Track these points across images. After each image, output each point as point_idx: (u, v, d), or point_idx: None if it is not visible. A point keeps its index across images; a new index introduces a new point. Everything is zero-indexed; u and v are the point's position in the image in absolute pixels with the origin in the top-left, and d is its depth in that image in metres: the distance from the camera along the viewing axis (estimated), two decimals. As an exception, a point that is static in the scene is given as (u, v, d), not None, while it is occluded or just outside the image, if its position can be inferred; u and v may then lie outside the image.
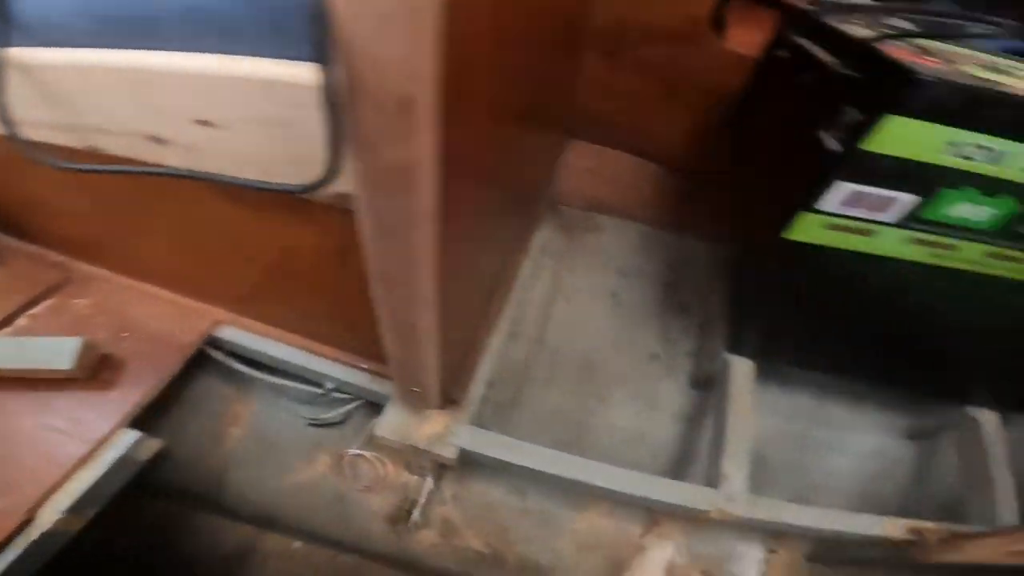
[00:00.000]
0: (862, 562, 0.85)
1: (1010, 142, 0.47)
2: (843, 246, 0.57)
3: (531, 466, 0.69)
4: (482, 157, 0.45)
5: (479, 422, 0.74)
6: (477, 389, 0.72)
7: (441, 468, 0.83)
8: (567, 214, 0.92)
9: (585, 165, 0.88)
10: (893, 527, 0.75)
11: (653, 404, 0.91)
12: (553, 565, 0.81)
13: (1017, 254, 0.58)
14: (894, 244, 0.57)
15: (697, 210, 0.92)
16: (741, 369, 0.82)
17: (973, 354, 0.79)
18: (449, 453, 0.67)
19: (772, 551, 0.86)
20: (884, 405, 0.99)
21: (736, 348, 0.82)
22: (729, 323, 0.84)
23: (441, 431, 0.68)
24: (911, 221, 0.54)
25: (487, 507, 0.83)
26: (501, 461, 0.70)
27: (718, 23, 0.77)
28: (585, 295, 0.91)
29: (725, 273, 0.91)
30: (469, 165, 0.41)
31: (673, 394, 0.92)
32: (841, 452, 0.99)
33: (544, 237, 0.86)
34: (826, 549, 0.85)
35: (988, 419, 0.87)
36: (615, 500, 0.81)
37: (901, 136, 0.47)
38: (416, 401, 0.65)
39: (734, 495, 0.73)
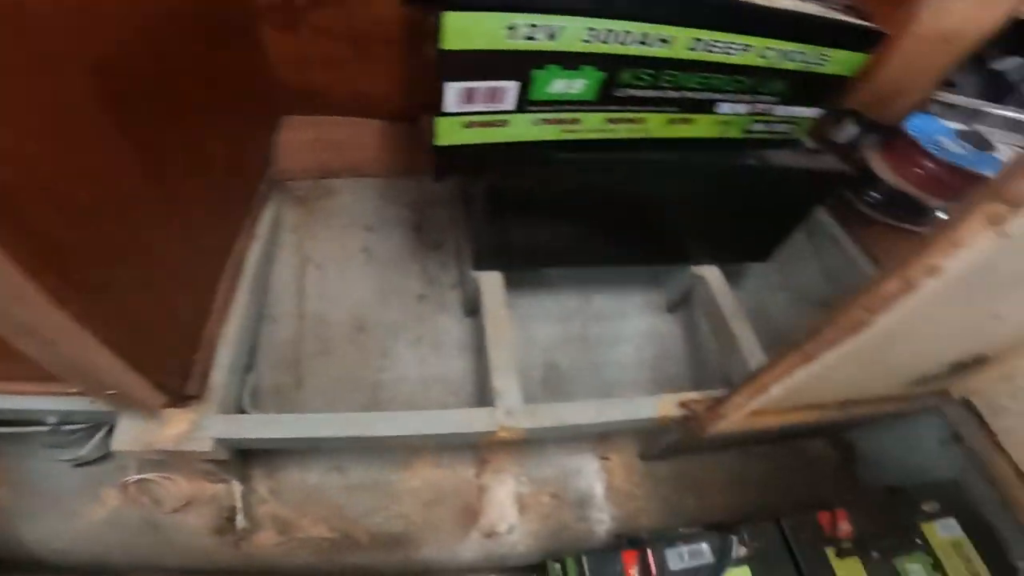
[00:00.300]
0: (678, 449, 0.93)
1: (558, 17, 0.56)
2: (487, 140, 0.64)
3: (300, 435, 0.69)
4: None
5: (253, 409, 0.73)
6: (220, 377, 0.70)
7: (244, 468, 0.80)
8: (298, 188, 0.92)
9: (304, 137, 0.90)
10: (666, 405, 0.80)
11: (436, 344, 0.96)
12: (407, 530, 0.82)
13: (630, 115, 0.70)
14: (528, 128, 0.65)
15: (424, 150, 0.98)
16: (490, 283, 0.89)
17: (676, 215, 0.91)
18: (204, 447, 0.65)
19: (604, 458, 0.95)
20: (641, 286, 1.13)
21: (480, 264, 0.89)
22: (470, 242, 0.90)
23: (187, 428, 0.66)
24: (527, 104, 0.62)
25: (311, 493, 0.82)
26: (271, 439, 0.70)
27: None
28: (337, 258, 0.92)
29: (463, 198, 0.98)
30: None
31: (452, 328, 0.97)
32: (621, 341, 1.10)
33: (274, 215, 0.86)
34: (650, 445, 0.93)
35: (711, 274, 1.01)
36: (409, 446, 0.84)
37: (467, 30, 0.53)
38: (135, 405, 0.62)
39: (512, 409, 0.75)
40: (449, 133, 0.61)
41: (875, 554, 0.77)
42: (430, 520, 0.83)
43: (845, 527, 0.78)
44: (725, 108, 0.76)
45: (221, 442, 0.67)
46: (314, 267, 0.91)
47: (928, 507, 0.82)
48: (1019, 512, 0.78)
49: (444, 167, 0.67)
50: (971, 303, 0.56)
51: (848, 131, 1.02)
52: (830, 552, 0.76)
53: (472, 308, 0.95)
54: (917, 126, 0.97)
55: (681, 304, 1.11)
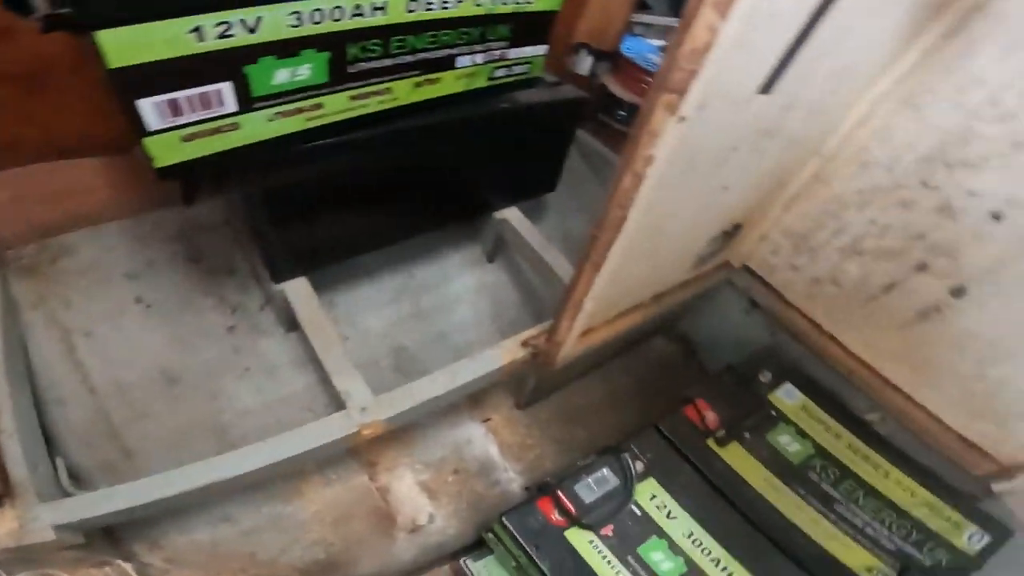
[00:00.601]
0: (544, 388, 0.97)
1: (253, 9, 0.52)
2: (220, 148, 0.60)
3: (148, 499, 0.62)
4: None
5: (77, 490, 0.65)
6: (19, 471, 0.61)
7: (118, 547, 0.70)
8: (20, 257, 0.77)
9: (5, 196, 0.74)
10: (510, 350, 0.82)
11: (268, 369, 0.90)
12: (331, 553, 0.78)
13: (373, 87, 0.70)
14: (264, 125, 0.61)
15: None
16: (298, 291, 0.85)
17: (454, 172, 0.94)
18: (47, 536, 0.58)
19: (487, 420, 0.96)
20: (455, 245, 1.16)
21: (280, 276, 0.84)
22: (261, 256, 0.84)
23: (16, 524, 0.58)
24: (254, 102, 0.59)
25: (210, 550, 0.74)
26: (120, 511, 0.62)
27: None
28: (106, 319, 0.81)
29: (237, 214, 0.91)
30: None
31: (277, 349, 0.92)
32: (455, 303, 1.12)
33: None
34: (520, 393, 0.96)
35: (513, 215, 1.07)
36: (273, 475, 0.79)
37: (136, 44, 0.47)
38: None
39: (365, 405, 0.74)
40: (167, 152, 0.55)
41: (747, 435, 0.89)
42: (349, 537, 0.80)
43: (711, 416, 0.89)
44: (464, 61, 0.79)
45: (65, 528, 0.59)
46: (82, 336, 0.77)
47: (764, 377, 0.96)
48: (827, 360, 0.93)
49: (189, 188, 0.61)
50: (697, 180, 0.67)
51: (584, 62, 1.14)
52: (711, 443, 0.87)
53: (290, 322, 0.90)
54: (630, 47, 1.12)
55: (498, 251, 1.17)
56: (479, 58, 0.81)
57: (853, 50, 0.63)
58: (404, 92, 0.74)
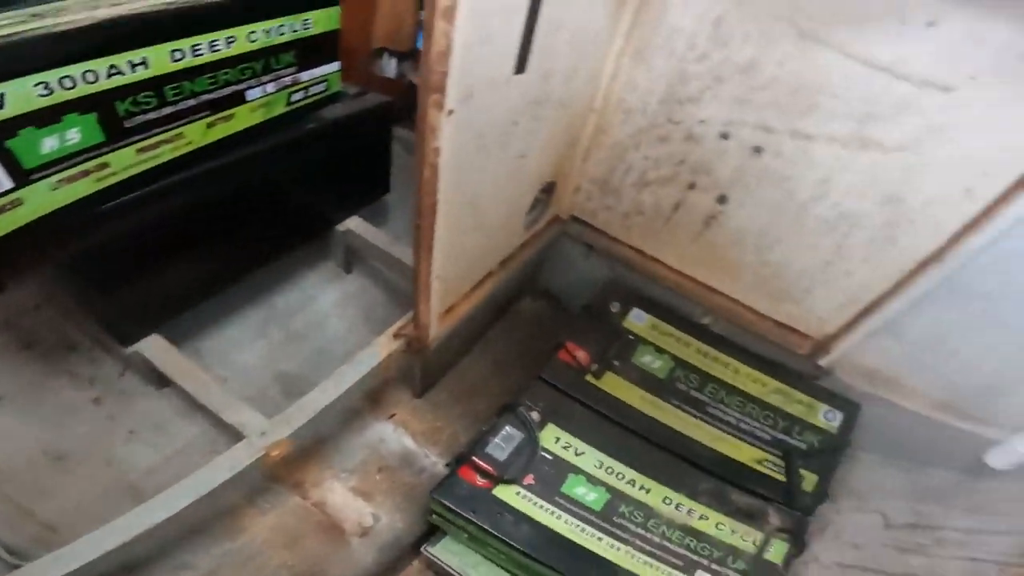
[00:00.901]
0: (434, 372, 1.02)
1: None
2: (9, 227, 0.59)
3: (105, 549, 0.63)
4: None
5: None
6: None
7: None
8: None
9: None
10: (385, 345, 0.88)
11: (155, 426, 0.89)
12: (300, 573, 0.79)
13: (160, 137, 0.72)
14: (49, 196, 0.61)
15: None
16: (153, 348, 0.85)
17: (282, 197, 0.97)
18: None
19: (392, 416, 0.99)
20: (308, 265, 1.18)
21: (127, 339, 0.84)
22: (102, 325, 0.84)
23: None
24: (32, 174, 0.59)
25: None
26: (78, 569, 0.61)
27: None
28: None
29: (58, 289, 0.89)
30: None
31: (156, 405, 0.90)
32: (324, 319, 1.15)
33: None
34: (412, 383, 1.00)
35: (356, 224, 1.12)
36: (207, 515, 0.80)
37: None
38: None
39: (263, 429, 0.78)
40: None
41: (616, 363, 0.97)
42: (307, 554, 0.81)
43: (582, 354, 0.97)
44: (255, 93, 0.83)
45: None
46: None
47: (614, 308, 1.06)
48: (657, 279, 1.06)
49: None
50: (493, 156, 0.75)
51: (389, 65, 1.21)
52: (590, 379, 0.94)
53: (159, 379, 0.90)
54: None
55: (353, 260, 1.21)
56: (270, 87, 0.85)
57: (579, 18, 0.75)
58: (198, 134, 0.77)
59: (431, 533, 0.84)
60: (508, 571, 0.80)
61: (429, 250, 0.74)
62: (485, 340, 1.17)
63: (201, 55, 0.71)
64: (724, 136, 0.87)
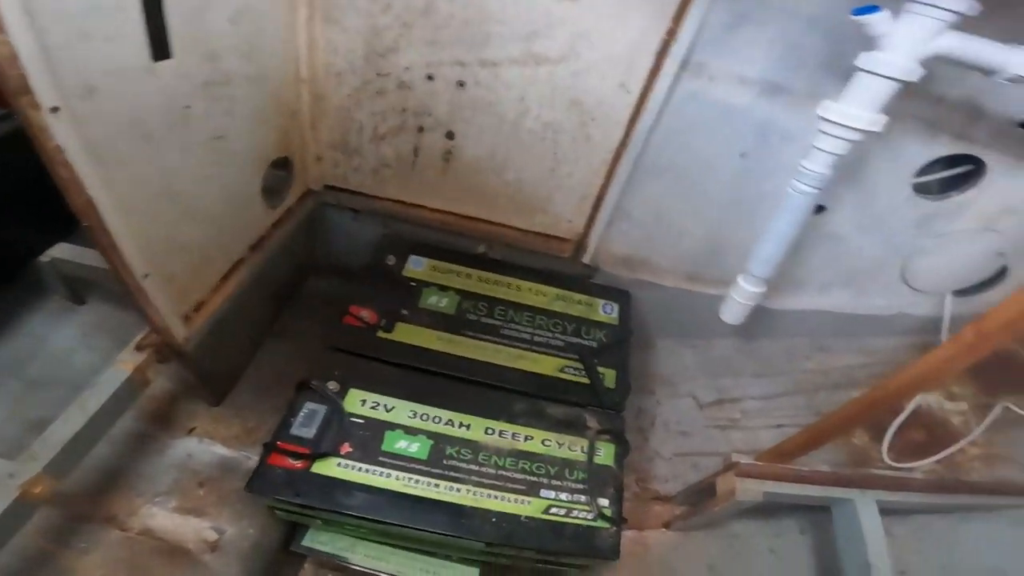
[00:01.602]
0: (222, 378, 0.97)
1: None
2: None
3: None
4: None
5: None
6: None
7: None
8: None
9: None
10: (130, 360, 0.81)
11: None
12: None
13: None
14: None
15: None
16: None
17: None
18: None
19: (191, 430, 0.94)
20: (27, 307, 1.05)
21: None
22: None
23: None
24: None
25: None
26: None
27: None
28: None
29: None
30: None
31: None
32: (69, 355, 1.02)
33: None
34: (195, 391, 0.95)
35: (54, 252, 0.99)
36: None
37: None
38: None
39: (10, 470, 0.69)
40: None
41: (405, 312, 0.98)
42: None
43: (367, 314, 0.97)
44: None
45: None
46: None
47: (390, 261, 1.07)
48: (425, 223, 1.09)
49: None
50: (171, 144, 0.69)
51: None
52: (381, 335, 0.94)
53: None
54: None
55: (79, 288, 1.08)
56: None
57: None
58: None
59: (292, 529, 0.83)
60: (378, 542, 0.80)
61: (114, 249, 0.67)
62: (278, 328, 1.15)
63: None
64: (430, 78, 0.93)
